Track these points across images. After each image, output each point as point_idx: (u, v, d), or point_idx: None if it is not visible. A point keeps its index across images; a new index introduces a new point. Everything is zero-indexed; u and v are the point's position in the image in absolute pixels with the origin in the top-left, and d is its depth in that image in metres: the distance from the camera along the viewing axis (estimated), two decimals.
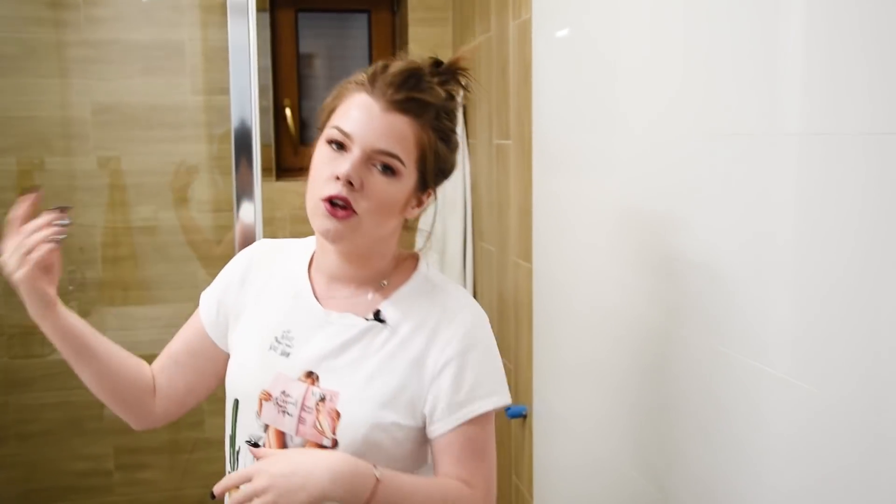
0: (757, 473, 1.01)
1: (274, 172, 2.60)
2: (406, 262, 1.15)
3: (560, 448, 1.71)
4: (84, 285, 2.43)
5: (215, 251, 2.43)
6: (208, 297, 1.21)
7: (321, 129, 1.07)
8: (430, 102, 1.03)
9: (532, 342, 1.84)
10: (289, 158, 2.64)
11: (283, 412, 1.06)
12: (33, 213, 1.07)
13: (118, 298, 2.48)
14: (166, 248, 2.43)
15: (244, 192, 1.77)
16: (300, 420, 1.05)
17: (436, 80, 1.06)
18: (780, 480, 0.97)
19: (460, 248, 2.32)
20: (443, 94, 1.05)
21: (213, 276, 2.66)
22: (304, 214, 2.74)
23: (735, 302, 1.05)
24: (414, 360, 1.06)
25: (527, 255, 1.86)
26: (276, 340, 1.10)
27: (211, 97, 2.42)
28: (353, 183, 1.00)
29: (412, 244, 1.19)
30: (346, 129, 1.01)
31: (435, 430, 1.06)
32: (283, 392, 1.07)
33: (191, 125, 2.45)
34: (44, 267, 1.05)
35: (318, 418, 1.04)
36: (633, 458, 1.35)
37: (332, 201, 1.01)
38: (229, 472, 1.12)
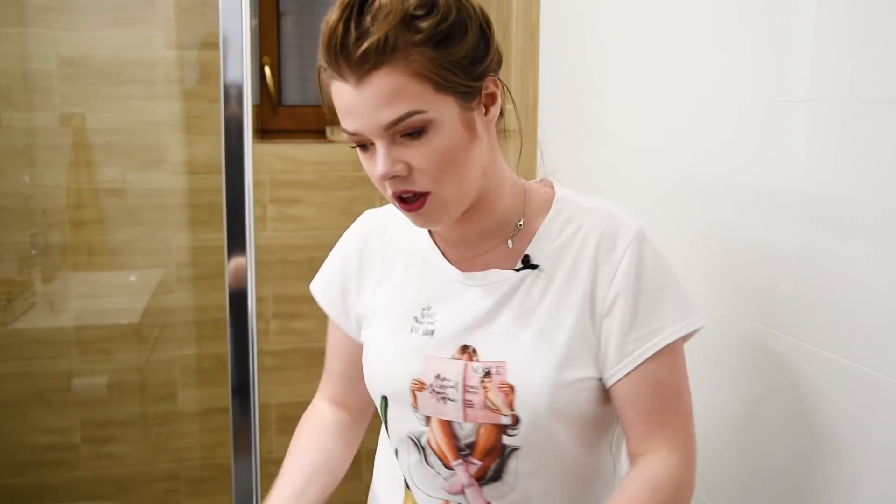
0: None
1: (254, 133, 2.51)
2: (538, 191, 0.99)
3: None
4: (47, 249, 2.31)
5: (194, 215, 2.34)
6: (332, 301, 1.09)
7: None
8: (386, 36, 0.82)
9: None
10: (268, 119, 2.54)
11: (444, 399, 0.94)
12: None
13: (83, 263, 2.37)
14: (137, 211, 2.33)
15: (233, 154, 1.69)
16: (466, 404, 0.93)
17: (375, 3, 0.84)
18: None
19: None
20: (394, 3, 0.84)
21: (191, 241, 2.56)
22: (284, 178, 2.65)
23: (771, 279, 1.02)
24: (582, 301, 0.92)
25: None
26: (416, 320, 0.98)
27: (185, 52, 2.31)
28: (398, 174, 0.86)
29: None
30: (350, 129, 0.87)
31: (613, 377, 0.91)
32: (438, 376, 0.94)
33: (163, 81, 2.33)
34: None
35: (487, 396, 0.92)
36: None
37: (400, 198, 0.89)
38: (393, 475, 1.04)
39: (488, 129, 0.92)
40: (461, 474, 0.95)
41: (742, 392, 1.12)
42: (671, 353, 0.91)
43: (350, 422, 1.12)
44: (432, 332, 0.96)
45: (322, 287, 1.10)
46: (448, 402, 0.94)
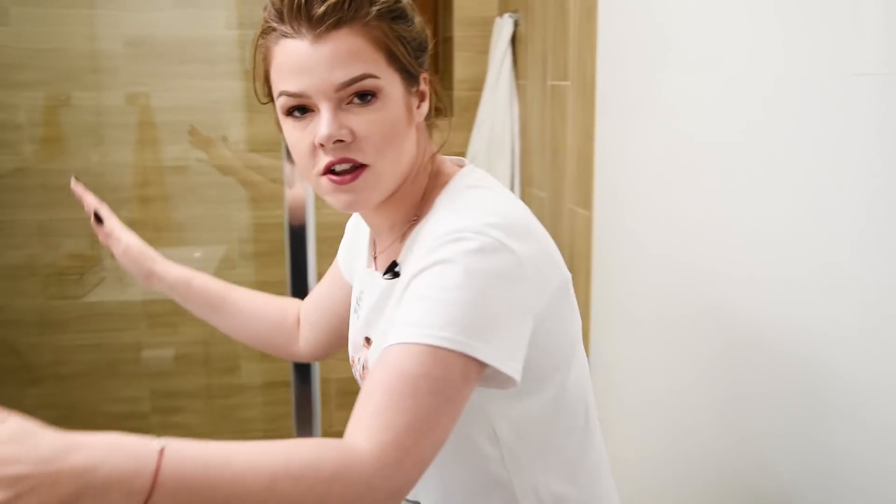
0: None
1: None
2: (442, 180, 0.95)
3: (617, 402, 1.69)
4: None
5: (261, 191, 2.39)
6: (341, 250, 1.19)
7: (271, 101, 0.91)
8: None
9: (590, 293, 1.81)
10: None
11: (361, 377, 1.01)
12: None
13: (149, 239, 2.42)
14: (200, 188, 2.39)
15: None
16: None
17: None
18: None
19: None
20: None
21: (252, 218, 2.63)
22: None
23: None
24: (403, 291, 0.88)
25: (586, 202, 1.81)
26: (357, 303, 1.05)
27: (245, 31, 2.35)
28: (343, 138, 0.84)
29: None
30: (294, 89, 0.84)
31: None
32: (356, 358, 1.03)
33: (224, 61, 2.38)
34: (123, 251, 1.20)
35: None
36: (695, 412, 1.33)
37: (332, 170, 0.86)
38: None
39: (418, 118, 0.92)
40: None
41: None
42: (425, 353, 0.76)
43: (290, 335, 1.23)
44: (358, 317, 1.02)
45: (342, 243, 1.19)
46: (362, 380, 0.99)
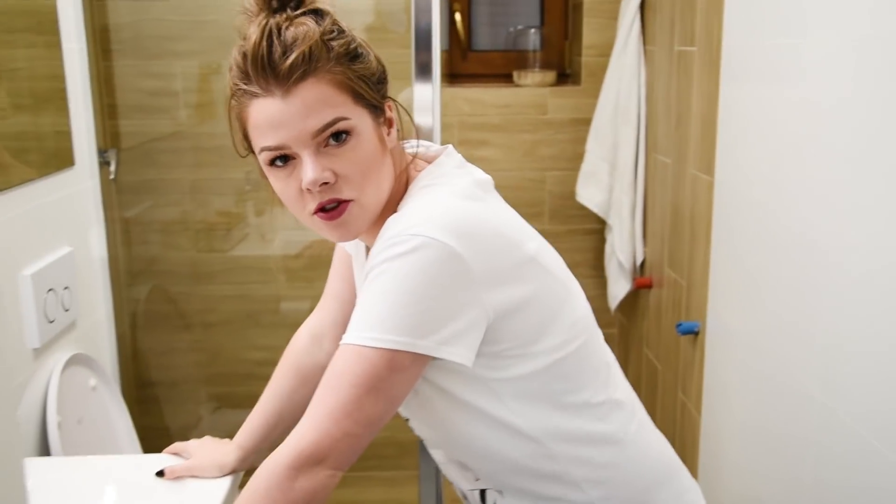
0: None
1: (445, 78, 2.61)
2: (407, 186, 1.04)
3: (735, 369, 1.69)
4: (260, 185, 2.53)
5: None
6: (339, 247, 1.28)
7: (251, 152, 0.99)
8: (310, 49, 0.91)
9: (709, 258, 1.80)
10: (458, 64, 2.64)
11: None
12: None
13: None
14: None
15: (422, 98, 1.79)
16: None
17: (291, 26, 0.92)
18: None
19: (632, 159, 2.27)
20: (310, 25, 0.93)
21: None
22: (472, 121, 2.73)
23: None
24: None
25: (708, 167, 1.80)
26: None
27: (380, 1, 2.43)
28: (327, 180, 0.93)
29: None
30: (273, 143, 0.92)
31: None
32: None
33: (362, 30, 2.47)
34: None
35: None
36: (813, 380, 1.31)
37: (323, 210, 0.95)
38: None
39: (391, 144, 1.00)
40: None
41: None
42: (351, 352, 0.91)
43: (324, 364, 1.22)
44: None
45: None
46: None
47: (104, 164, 2.08)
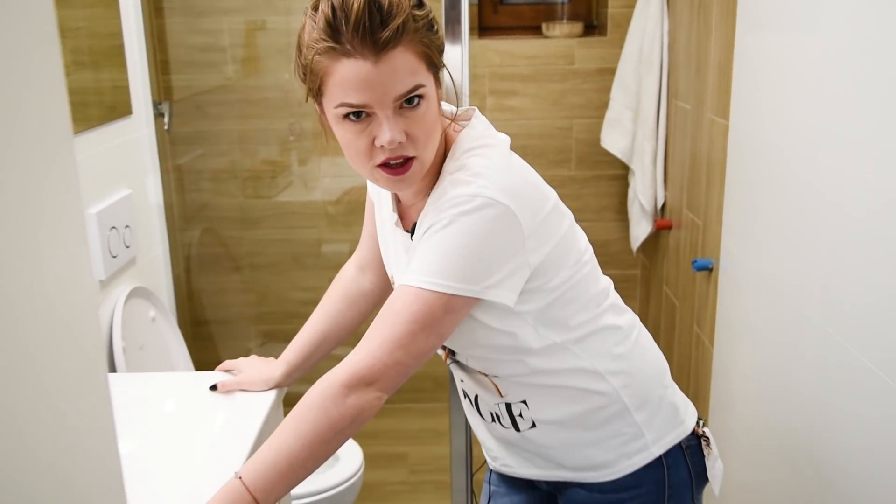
0: None
1: (475, 31, 2.67)
2: (448, 147, 1.11)
3: (744, 302, 1.76)
4: (302, 136, 2.66)
5: None
6: (369, 192, 1.33)
7: (317, 101, 1.05)
8: (403, 21, 0.96)
9: (723, 198, 1.87)
10: (489, 17, 2.70)
11: None
12: None
13: (331, 149, 2.67)
14: None
15: (451, 48, 1.86)
16: None
17: None
18: None
19: (654, 106, 2.33)
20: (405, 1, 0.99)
21: None
22: (502, 72, 2.78)
23: None
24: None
25: (724, 112, 1.86)
26: (384, 247, 1.24)
27: None
28: (401, 141, 0.99)
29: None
30: (357, 102, 0.98)
31: None
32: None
33: None
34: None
35: None
36: (814, 309, 1.39)
37: (388, 165, 1.02)
38: None
39: (442, 103, 1.08)
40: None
41: None
42: (411, 293, 1.00)
43: (369, 290, 1.38)
44: (387, 261, 1.24)
45: None
46: None
47: (158, 115, 2.20)
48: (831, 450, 1.37)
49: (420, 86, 0.99)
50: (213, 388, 1.36)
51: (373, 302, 1.41)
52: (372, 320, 1.05)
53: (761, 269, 1.66)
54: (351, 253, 2.71)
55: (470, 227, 0.99)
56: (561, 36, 2.56)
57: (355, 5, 0.94)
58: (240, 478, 0.98)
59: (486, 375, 1.19)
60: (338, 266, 2.78)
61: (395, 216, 1.18)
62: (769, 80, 1.62)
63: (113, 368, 1.76)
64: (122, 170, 1.94)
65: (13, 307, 0.43)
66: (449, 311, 1.00)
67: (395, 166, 1.02)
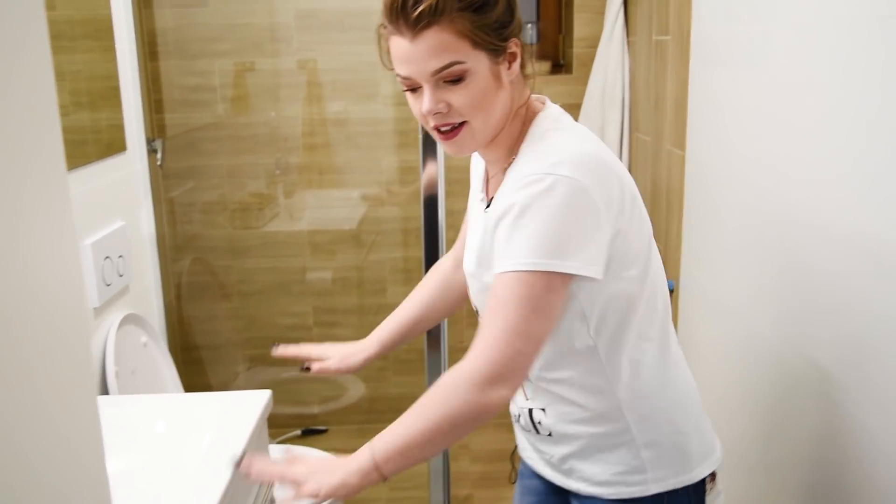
0: None
1: None
2: (527, 125, 1.12)
3: (703, 320, 1.82)
4: (288, 169, 2.71)
5: (401, 140, 2.63)
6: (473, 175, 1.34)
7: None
8: (436, 2, 1.00)
9: (682, 224, 1.93)
10: None
11: (469, 287, 1.24)
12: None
13: (315, 182, 2.74)
14: (356, 137, 2.66)
15: None
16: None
17: None
18: None
19: (617, 138, 2.40)
20: None
21: (399, 162, 2.85)
22: None
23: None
24: (494, 224, 1.08)
25: (681, 143, 1.93)
26: (469, 226, 1.28)
27: None
28: (441, 111, 1.05)
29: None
30: (402, 74, 1.05)
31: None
32: (466, 270, 1.24)
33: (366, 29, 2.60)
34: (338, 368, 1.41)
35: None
36: (767, 324, 1.44)
37: (439, 130, 1.08)
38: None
39: (510, 77, 1.08)
40: None
41: None
42: (512, 278, 1.01)
43: (463, 284, 1.39)
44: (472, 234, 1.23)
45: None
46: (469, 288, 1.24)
47: (152, 151, 2.25)
48: (783, 460, 1.42)
49: (456, 63, 1.02)
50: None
51: (465, 297, 1.40)
52: (461, 314, 1.07)
53: (718, 288, 1.71)
54: (334, 280, 2.77)
55: (549, 205, 1.00)
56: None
57: None
58: (372, 451, 1.03)
59: None
60: (322, 293, 2.81)
61: (483, 184, 1.21)
62: (721, 112, 1.68)
63: (105, 391, 1.79)
64: (117, 203, 1.98)
65: (10, 331, 0.45)
66: (550, 290, 1.01)
67: (446, 131, 1.07)
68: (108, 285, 1.84)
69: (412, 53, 1.02)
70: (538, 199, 1.00)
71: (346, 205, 2.71)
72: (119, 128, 2.01)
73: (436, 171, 1.94)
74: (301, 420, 2.84)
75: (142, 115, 2.16)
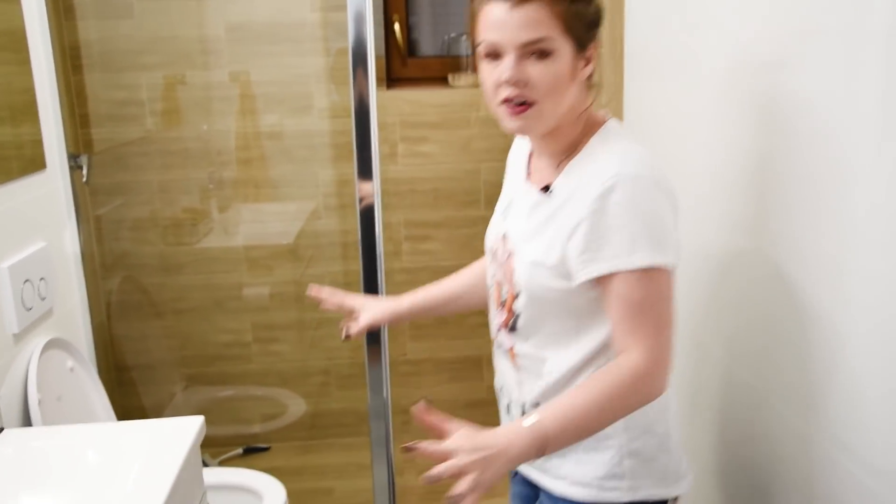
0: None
1: (385, 82, 2.67)
2: (595, 126, 1.14)
3: None
4: (222, 184, 2.61)
5: (337, 153, 2.55)
6: (507, 170, 1.33)
7: (475, 49, 1.11)
8: None
9: None
10: (398, 69, 2.70)
11: (496, 263, 1.23)
12: None
13: (251, 196, 2.65)
14: (291, 150, 2.57)
15: (361, 100, 1.84)
16: (502, 269, 1.20)
17: None
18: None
19: None
20: None
21: (335, 175, 2.75)
22: (412, 120, 2.79)
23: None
24: (563, 224, 1.09)
25: None
26: (507, 205, 1.25)
27: (328, 14, 2.50)
28: (519, 81, 1.05)
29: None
30: (491, 39, 1.06)
31: (576, 281, 1.08)
32: (496, 249, 1.24)
33: (310, 40, 2.53)
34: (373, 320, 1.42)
35: (505, 270, 1.19)
36: (715, 339, 1.40)
37: (508, 103, 1.07)
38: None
39: (582, 77, 1.10)
40: (498, 319, 1.23)
41: None
42: (632, 278, 1.04)
43: None
44: (504, 217, 1.24)
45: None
46: (496, 265, 1.23)
47: (77, 167, 2.11)
48: (727, 463, 1.39)
49: (546, 38, 1.04)
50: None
51: None
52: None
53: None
54: (271, 295, 2.66)
55: (637, 203, 1.03)
56: (466, 86, 2.58)
57: None
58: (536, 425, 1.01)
59: (521, 362, 1.20)
60: (259, 308, 2.71)
61: (526, 171, 1.21)
62: (653, 119, 1.66)
63: (28, 421, 1.65)
64: (37, 223, 1.85)
65: None
66: (667, 280, 1.05)
67: (515, 105, 1.07)
68: (29, 309, 1.71)
69: (508, 20, 1.04)
70: (636, 198, 1.03)
71: (282, 219, 2.61)
72: (38, 143, 1.87)
73: (371, 183, 1.87)
74: (242, 439, 2.72)
75: (62, 129, 2.02)
